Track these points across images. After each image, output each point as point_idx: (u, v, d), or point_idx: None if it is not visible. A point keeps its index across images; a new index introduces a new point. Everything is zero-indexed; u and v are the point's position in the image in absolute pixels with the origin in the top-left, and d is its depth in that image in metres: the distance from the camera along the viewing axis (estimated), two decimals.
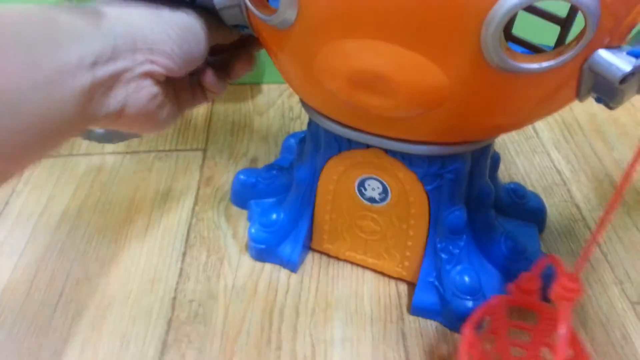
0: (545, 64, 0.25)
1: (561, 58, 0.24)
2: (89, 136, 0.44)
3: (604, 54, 0.25)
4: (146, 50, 0.27)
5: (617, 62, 0.25)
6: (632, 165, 0.21)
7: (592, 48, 0.25)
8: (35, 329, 0.36)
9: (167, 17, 0.29)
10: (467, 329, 0.30)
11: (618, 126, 0.56)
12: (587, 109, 0.57)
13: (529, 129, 0.55)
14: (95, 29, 0.26)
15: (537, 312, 0.32)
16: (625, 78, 0.25)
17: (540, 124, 0.56)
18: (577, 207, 0.46)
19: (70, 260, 0.41)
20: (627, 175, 0.21)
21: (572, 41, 0.24)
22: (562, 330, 0.24)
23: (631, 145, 0.53)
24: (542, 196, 0.45)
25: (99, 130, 0.44)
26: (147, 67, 0.27)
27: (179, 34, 0.28)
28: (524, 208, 0.42)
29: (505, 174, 0.49)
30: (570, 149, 0.53)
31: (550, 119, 0.57)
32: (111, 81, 0.26)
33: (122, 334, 0.36)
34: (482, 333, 0.32)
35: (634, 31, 0.26)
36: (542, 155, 0.52)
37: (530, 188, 0.47)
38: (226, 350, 0.35)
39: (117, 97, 0.27)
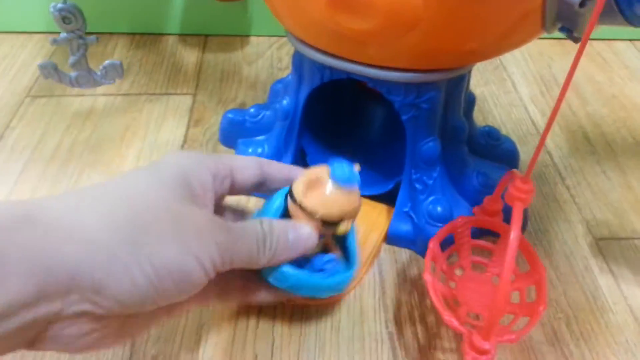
0: None
1: None
2: (61, 79, 0.45)
3: None
4: (88, 291, 0.20)
5: None
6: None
7: None
8: None
9: (143, 242, 0.21)
10: (432, 243, 0.33)
11: (593, 84, 0.58)
12: (565, 66, 0.60)
13: (508, 83, 0.57)
14: (17, 264, 0.18)
15: (500, 232, 0.34)
16: (585, 1, 0.27)
17: (519, 80, 0.58)
18: (549, 154, 0.49)
19: (62, 189, 0.42)
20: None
21: None
22: (514, 232, 0.26)
23: (604, 101, 0.56)
24: (517, 143, 0.47)
25: (72, 73, 0.45)
26: (84, 307, 0.20)
27: (151, 279, 0.21)
28: (498, 150, 0.45)
29: (482, 123, 0.52)
30: (546, 103, 0.55)
31: (529, 75, 0.59)
32: (22, 330, 0.19)
33: None
34: (446, 250, 0.35)
35: None
36: (519, 108, 0.54)
37: None
38: None
39: (27, 335, 0.20)
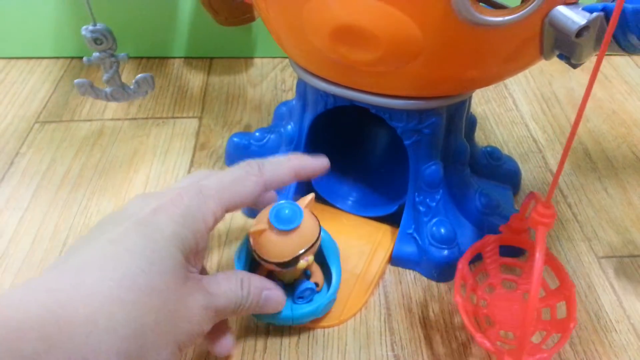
0: (508, 18, 0.27)
1: (522, 12, 0.27)
2: (98, 95, 0.46)
3: (561, 9, 0.28)
4: None
5: (573, 16, 0.27)
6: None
7: (551, 4, 0.28)
8: (39, 274, 0.39)
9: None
10: (461, 264, 0.33)
11: (594, 100, 0.59)
12: (565, 84, 0.60)
13: (509, 101, 0.58)
14: None
15: (527, 249, 0.35)
16: (581, 32, 0.28)
17: (520, 98, 0.59)
18: (551, 172, 0.49)
19: (73, 214, 0.43)
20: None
21: None
22: (539, 253, 0.27)
23: (605, 117, 0.56)
24: (518, 161, 0.48)
25: (106, 88, 0.46)
26: None
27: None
28: (500, 170, 0.45)
29: (484, 142, 0.52)
30: (547, 121, 0.55)
31: (529, 93, 0.59)
32: None
33: None
34: (475, 269, 0.35)
35: None
36: (521, 126, 0.55)
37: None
38: None
39: None
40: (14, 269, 0.39)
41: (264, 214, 0.31)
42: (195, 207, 0.27)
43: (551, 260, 0.34)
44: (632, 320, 0.37)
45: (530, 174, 0.49)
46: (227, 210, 0.28)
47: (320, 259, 0.35)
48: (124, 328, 0.22)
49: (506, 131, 0.54)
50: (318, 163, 0.33)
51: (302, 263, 0.31)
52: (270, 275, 0.34)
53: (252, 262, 0.34)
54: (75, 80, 0.44)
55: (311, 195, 0.32)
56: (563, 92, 0.60)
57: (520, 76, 0.62)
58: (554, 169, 0.50)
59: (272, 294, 0.31)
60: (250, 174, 0.30)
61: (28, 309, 0.21)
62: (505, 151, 0.51)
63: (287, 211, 0.30)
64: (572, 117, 0.56)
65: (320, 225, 0.32)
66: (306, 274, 0.35)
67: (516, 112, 0.57)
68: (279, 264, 0.31)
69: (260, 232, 0.30)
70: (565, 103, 0.58)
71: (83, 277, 0.23)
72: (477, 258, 0.36)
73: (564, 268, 0.34)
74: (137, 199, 0.28)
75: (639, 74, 0.63)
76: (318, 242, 0.32)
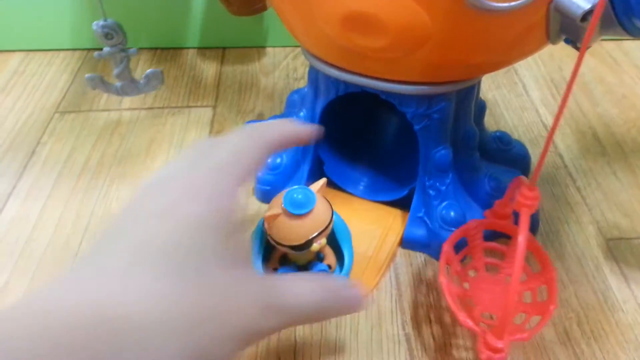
0: (515, 3, 0.28)
1: None
2: (108, 89, 0.48)
3: None
4: None
5: (578, 0, 0.28)
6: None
7: None
8: (63, 257, 0.40)
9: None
10: (446, 246, 0.34)
11: (604, 84, 0.59)
12: None
13: (519, 87, 0.58)
14: None
15: (511, 235, 0.36)
16: (586, 16, 0.28)
17: (530, 83, 0.59)
18: (560, 156, 0.50)
19: (94, 201, 0.45)
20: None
21: None
22: (521, 235, 0.28)
23: (615, 101, 0.56)
24: (528, 147, 0.48)
25: (117, 83, 0.48)
26: None
27: None
28: (509, 155, 0.46)
29: (494, 127, 0.53)
30: (557, 106, 0.56)
31: (540, 78, 0.60)
32: None
33: None
34: (460, 252, 0.36)
35: None
36: (531, 111, 0.55)
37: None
38: None
39: None
40: (39, 254, 0.40)
41: (278, 199, 0.32)
42: (214, 188, 0.25)
43: (533, 245, 0.35)
44: (639, 300, 0.38)
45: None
46: (244, 182, 0.26)
47: (333, 242, 0.36)
48: (182, 326, 0.21)
49: (516, 116, 0.55)
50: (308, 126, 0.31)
51: (315, 246, 0.32)
52: (285, 258, 0.35)
53: (267, 245, 0.35)
54: (86, 75, 0.45)
55: (323, 180, 0.33)
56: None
57: (530, 61, 0.62)
58: (563, 152, 0.50)
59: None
60: (253, 139, 0.28)
61: (80, 311, 0.19)
62: (515, 136, 0.52)
63: (300, 196, 0.31)
64: (581, 102, 0.56)
65: (332, 209, 0.33)
66: (319, 256, 0.36)
67: (526, 97, 0.57)
68: (293, 247, 0.31)
69: (275, 216, 0.31)
70: (575, 88, 0.58)
71: (126, 280, 0.21)
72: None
73: (545, 253, 0.34)
74: (150, 189, 0.25)
75: None
76: (330, 226, 0.33)
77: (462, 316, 0.30)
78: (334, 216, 0.33)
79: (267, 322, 0.24)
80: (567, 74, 0.60)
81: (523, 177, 0.31)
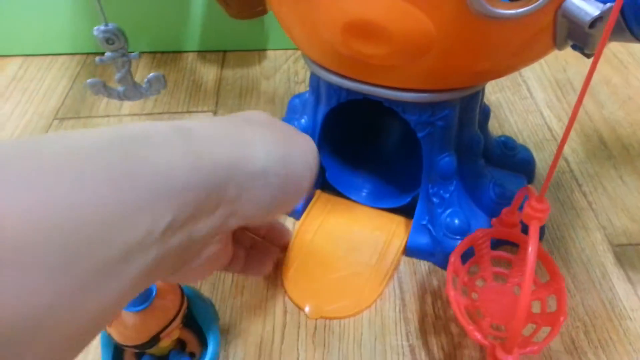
0: (521, 10, 0.27)
1: (535, 4, 0.27)
2: (110, 94, 0.47)
3: (574, 0, 0.28)
4: (233, 199, 0.21)
5: (586, 7, 0.27)
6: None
7: None
8: None
9: (281, 154, 0.23)
10: (453, 257, 0.34)
11: (609, 86, 0.58)
12: (581, 70, 0.60)
13: (523, 89, 0.58)
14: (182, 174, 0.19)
15: (518, 243, 0.35)
16: (594, 23, 0.28)
17: (534, 85, 0.58)
18: (566, 160, 0.49)
19: None
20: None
21: None
22: (531, 247, 0.27)
23: (621, 103, 0.56)
24: (533, 151, 0.48)
25: (119, 88, 0.47)
26: (226, 224, 0.22)
27: (281, 181, 0.23)
28: (514, 160, 0.45)
29: (499, 131, 0.52)
30: (562, 108, 0.55)
31: (544, 80, 0.59)
32: (180, 250, 0.20)
33: None
34: (467, 262, 0.36)
35: None
36: (535, 114, 0.55)
37: (521, 143, 0.49)
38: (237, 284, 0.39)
39: (179, 262, 0.21)
40: None
41: None
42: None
43: (542, 254, 0.34)
44: None
45: (545, 163, 0.49)
46: None
47: (196, 325, 0.33)
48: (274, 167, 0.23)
49: (520, 119, 0.54)
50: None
51: (166, 341, 0.29)
52: (141, 355, 0.32)
53: (116, 346, 0.31)
54: (88, 81, 0.45)
55: None
56: (578, 78, 0.59)
57: (534, 63, 0.61)
58: (569, 157, 0.50)
59: None
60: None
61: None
62: (520, 140, 0.51)
63: None
64: (587, 104, 0.56)
65: (184, 295, 0.30)
66: (182, 343, 0.33)
67: (531, 100, 0.56)
68: (137, 347, 0.29)
69: None
70: (580, 90, 0.57)
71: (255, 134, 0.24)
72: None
73: (554, 261, 0.34)
74: None
75: None
76: (180, 315, 0.30)
77: (471, 330, 0.30)
78: (195, 299, 0.31)
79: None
80: (572, 75, 0.59)
81: (531, 188, 0.30)
